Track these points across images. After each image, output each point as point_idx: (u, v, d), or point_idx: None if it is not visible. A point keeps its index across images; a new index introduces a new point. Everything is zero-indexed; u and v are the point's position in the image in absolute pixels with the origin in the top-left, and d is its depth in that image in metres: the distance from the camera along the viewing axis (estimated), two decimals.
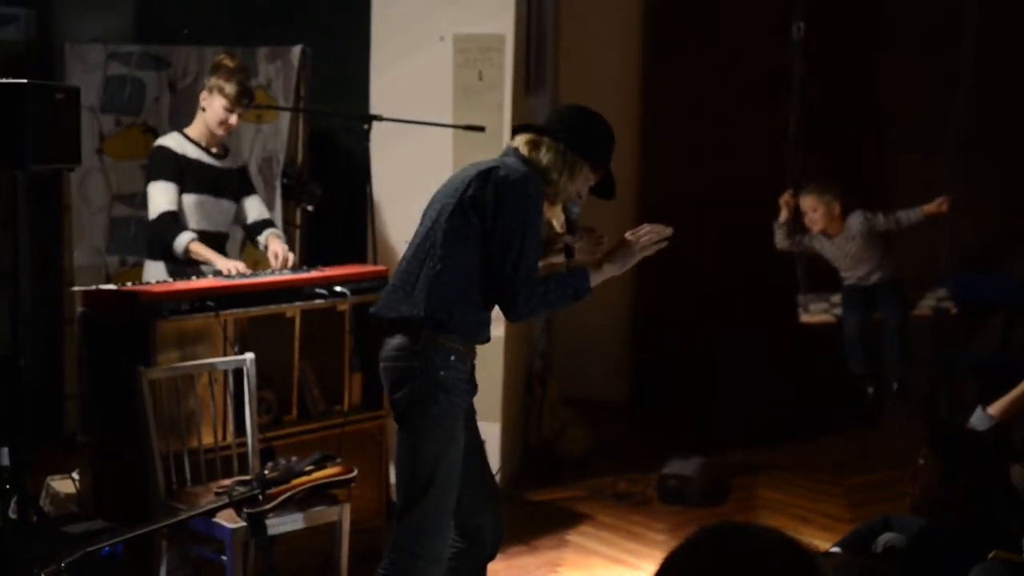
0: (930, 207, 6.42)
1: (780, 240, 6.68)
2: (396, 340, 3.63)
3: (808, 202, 6.59)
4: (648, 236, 3.73)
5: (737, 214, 7.96)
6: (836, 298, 6.72)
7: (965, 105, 6.24)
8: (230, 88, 5.19)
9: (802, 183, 6.56)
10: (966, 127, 6.30)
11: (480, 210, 3.57)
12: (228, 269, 5.06)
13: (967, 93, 6.22)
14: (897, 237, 6.79)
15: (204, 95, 5.28)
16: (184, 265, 5.14)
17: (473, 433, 3.81)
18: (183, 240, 5.12)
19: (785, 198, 6.62)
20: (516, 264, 3.54)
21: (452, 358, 3.60)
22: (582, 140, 3.71)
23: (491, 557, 3.89)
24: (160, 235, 5.18)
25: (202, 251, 5.14)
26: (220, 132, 5.29)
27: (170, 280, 5.01)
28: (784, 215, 6.64)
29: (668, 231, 3.76)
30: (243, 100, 5.25)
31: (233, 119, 5.27)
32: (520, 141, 3.74)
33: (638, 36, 8.13)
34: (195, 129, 5.31)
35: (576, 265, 3.82)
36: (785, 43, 6.44)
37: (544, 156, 3.68)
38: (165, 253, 5.19)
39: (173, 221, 5.16)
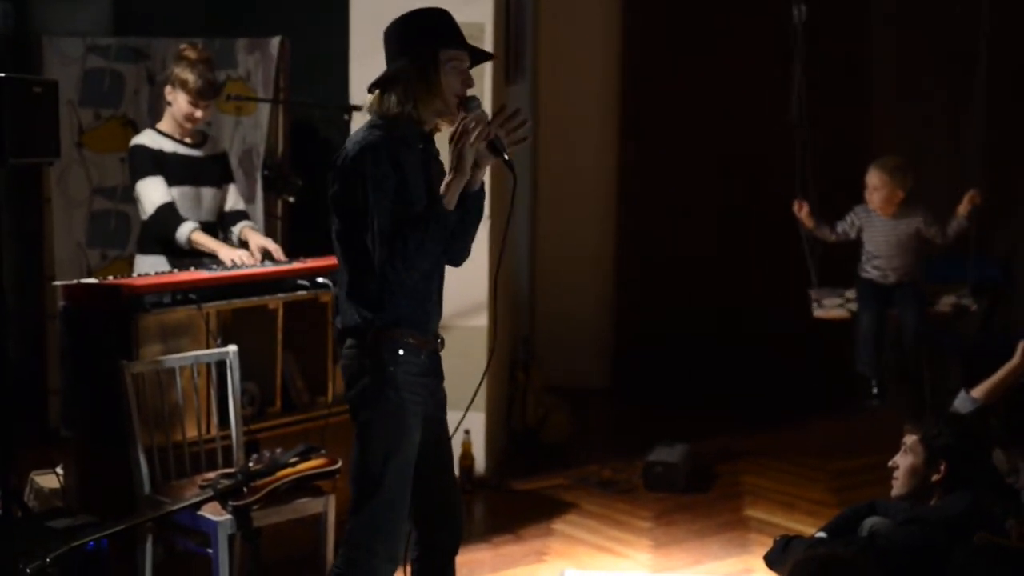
0: (964, 207, 6.06)
1: (823, 236, 6.25)
2: (349, 340, 3.56)
3: (874, 177, 6.11)
4: (467, 130, 3.44)
5: (720, 199, 7.98)
6: (850, 293, 6.38)
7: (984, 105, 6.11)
8: (192, 82, 5.12)
9: (808, 185, 6.13)
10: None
11: (339, 205, 3.50)
12: (231, 259, 5.04)
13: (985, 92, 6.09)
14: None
15: (168, 89, 5.23)
16: (183, 257, 5.12)
17: (437, 429, 3.67)
18: (185, 230, 5.11)
19: (796, 208, 6.20)
20: (375, 241, 3.40)
21: (401, 352, 3.51)
22: (399, 47, 3.51)
23: (449, 561, 3.76)
24: (162, 227, 5.16)
25: (205, 241, 5.13)
26: (188, 125, 5.25)
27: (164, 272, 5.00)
28: (807, 224, 6.21)
29: (486, 116, 3.49)
30: (207, 94, 5.18)
31: (199, 113, 5.22)
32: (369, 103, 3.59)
33: (618, 23, 8.11)
34: (166, 123, 5.29)
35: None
36: (767, 29, 6.37)
37: (387, 101, 3.54)
38: (166, 246, 5.17)
39: (173, 213, 5.15)
